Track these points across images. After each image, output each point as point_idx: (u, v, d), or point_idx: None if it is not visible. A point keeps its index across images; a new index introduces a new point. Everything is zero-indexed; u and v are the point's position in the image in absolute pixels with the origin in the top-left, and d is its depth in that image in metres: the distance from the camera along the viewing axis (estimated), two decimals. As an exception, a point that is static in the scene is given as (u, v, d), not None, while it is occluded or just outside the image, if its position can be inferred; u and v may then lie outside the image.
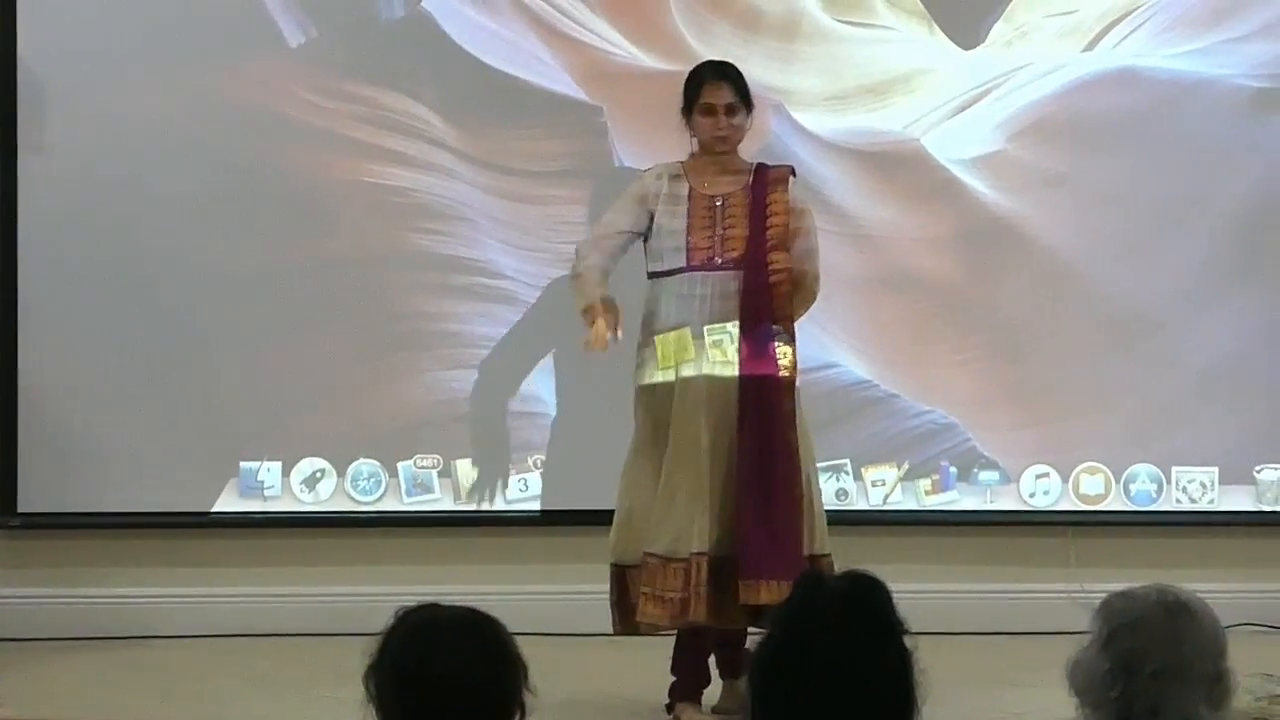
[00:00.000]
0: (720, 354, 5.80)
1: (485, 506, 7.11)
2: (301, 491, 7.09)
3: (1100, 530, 7.23)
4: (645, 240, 5.94)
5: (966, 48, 7.26)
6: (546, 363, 7.12)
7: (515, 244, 7.12)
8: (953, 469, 7.21)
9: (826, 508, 6.01)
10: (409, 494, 7.11)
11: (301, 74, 7.08)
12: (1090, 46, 7.30)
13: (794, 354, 5.83)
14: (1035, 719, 5.71)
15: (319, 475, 7.09)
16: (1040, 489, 7.25)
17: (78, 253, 7.00)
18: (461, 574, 6.81)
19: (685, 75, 6.05)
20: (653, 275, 5.92)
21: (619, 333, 5.79)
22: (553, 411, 7.12)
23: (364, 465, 7.09)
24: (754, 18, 7.19)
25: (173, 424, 7.03)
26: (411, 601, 2.82)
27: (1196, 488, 7.28)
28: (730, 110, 5.90)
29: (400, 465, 7.10)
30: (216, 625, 6.98)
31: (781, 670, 2.60)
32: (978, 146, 7.25)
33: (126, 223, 7.02)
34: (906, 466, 7.20)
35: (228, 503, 7.08)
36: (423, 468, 7.11)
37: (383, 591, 6.27)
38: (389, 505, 7.11)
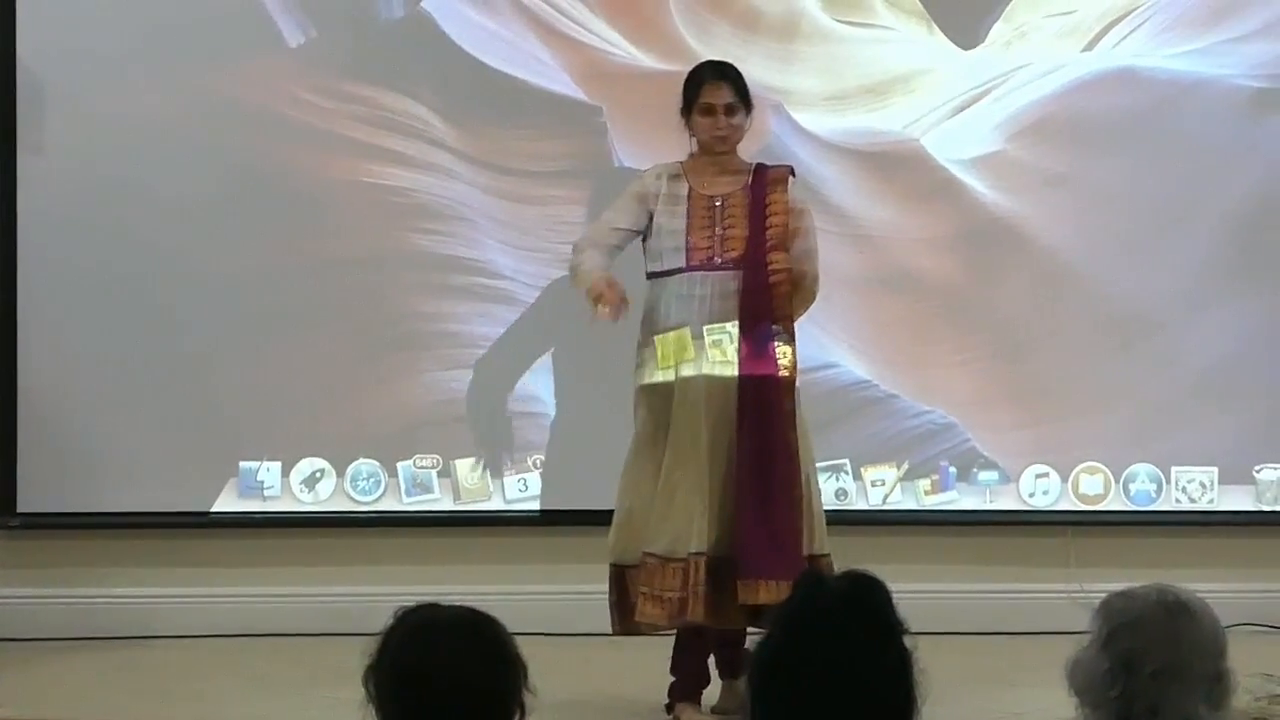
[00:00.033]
0: (720, 354, 5.79)
1: (485, 506, 7.11)
2: (301, 491, 7.09)
3: (1100, 530, 7.23)
4: (644, 240, 5.93)
5: (966, 48, 7.26)
6: (546, 363, 7.12)
7: (514, 244, 7.12)
8: (952, 469, 7.21)
9: (826, 508, 6.01)
10: (408, 494, 7.11)
11: (301, 74, 7.08)
12: (1090, 46, 7.29)
13: (794, 354, 5.83)
14: (1035, 719, 5.71)
15: (318, 475, 7.09)
16: (1040, 489, 7.25)
17: (77, 253, 7.00)
18: (461, 574, 6.80)
19: (684, 75, 6.04)
20: (652, 275, 5.91)
21: (627, 302, 5.78)
22: (552, 411, 7.12)
23: (363, 465, 7.09)
24: (753, 18, 7.19)
25: (172, 424, 7.03)
26: (411, 601, 2.82)
27: (1196, 487, 7.28)
28: (730, 110, 5.90)
29: (400, 465, 7.10)
30: (216, 625, 6.98)
31: (781, 670, 2.60)
32: (977, 147, 7.25)
33: (126, 223, 7.02)
34: (906, 466, 7.20)
35: (227, 503, 7.08)
36: (422, 468, 7.11)
37: (382, 591, 6.27)
38: (388, 505, 7.11)
